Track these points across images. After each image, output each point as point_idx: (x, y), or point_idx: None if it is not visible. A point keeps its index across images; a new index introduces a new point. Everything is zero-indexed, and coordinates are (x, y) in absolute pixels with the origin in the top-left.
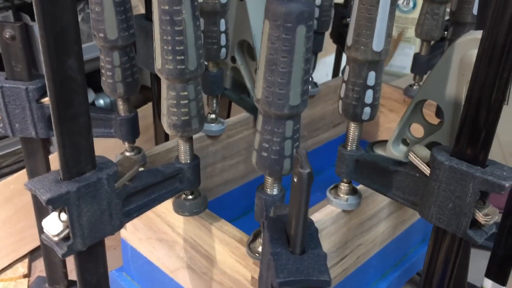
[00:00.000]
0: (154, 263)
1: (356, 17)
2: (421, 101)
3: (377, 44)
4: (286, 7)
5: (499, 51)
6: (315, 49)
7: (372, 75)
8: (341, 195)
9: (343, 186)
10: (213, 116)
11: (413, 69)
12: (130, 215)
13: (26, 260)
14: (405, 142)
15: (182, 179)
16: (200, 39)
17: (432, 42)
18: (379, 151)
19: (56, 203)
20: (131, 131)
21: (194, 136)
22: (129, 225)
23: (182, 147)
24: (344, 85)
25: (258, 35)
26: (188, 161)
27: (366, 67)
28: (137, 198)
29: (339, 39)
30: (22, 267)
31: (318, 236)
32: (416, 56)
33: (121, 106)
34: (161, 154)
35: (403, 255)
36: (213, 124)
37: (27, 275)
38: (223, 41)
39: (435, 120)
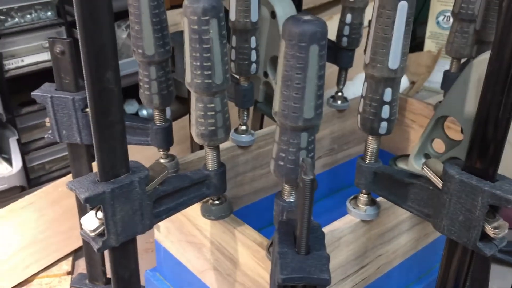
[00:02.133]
0: (184, 264)
1: (373, 37)
2: (442, 117)
3: (393, 62)
4: (300, 28)
5: (505, 70)
6: (345, 65)
7: (388, 92)
8: (360, 206)
9: (362, 197)
10: (244, 127)
11: (443, 86)
12: (160, 216)
13: (70, 259)
14: (427, 157)
15: (209, 185)
16: (226, 55)
17: (463, 60)
18: (401, 165)
19: (93, 202)
20: (166, 140)
21: (226, 146)
22: (162, 228)
23: (209, 155)
24: (362, 100)
25: None
26: (215, 168)
27: (382, 83)
28: (167, 200)
29: None
30: (66, 265)
31: (324, 240)
32: (446, 74)
33: (157, 116)
34: (193, 162)
35: (428, 268)
36: (243, 135)
37: (70, 273)
38: (253, 57)
39: (458, 136)
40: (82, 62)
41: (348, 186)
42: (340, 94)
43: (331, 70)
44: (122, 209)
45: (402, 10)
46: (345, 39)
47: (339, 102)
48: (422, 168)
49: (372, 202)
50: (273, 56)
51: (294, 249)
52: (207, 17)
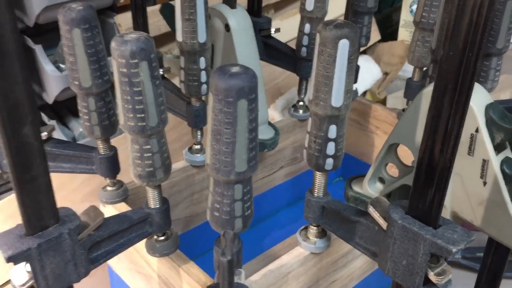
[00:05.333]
0: None
1: (315, 74)
2: (395, 143)
3: (336, 100)
4: (226, 83)
5: (445, 120)
6: (305, 75)
7: (333, 129)
8: (310, 238)
9: (312, 229)
10: (197, 147)
11: (406, 95)
12: (97, 261)
13: None
14: (381, 181)
15: (152, 223)
16: (161, 96)
17: (425, 69)
18: (356, 188)
19: (18, 259)
20: (111, 168)
21: (180, 166)
22: None
23: (150, 194)
24: (307, 135)
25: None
26: (158, 206)
27: (326, 121)
28: (105, 244)
29: None
30: None
31: None
32: (409, 82)
33: (100, 145)
34: (143, 186)
35: (388, 283)
36: (198, 155)
37: None
38: (203, 78)
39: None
40: None
41: None
42: (301, 103)
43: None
44: (52, 262)
45: (343, 48)
46: (304, 49)
47: (300, 111)
48: (368, 208)
49: (322, 234)
50: None
51: None
52: (136, 60)
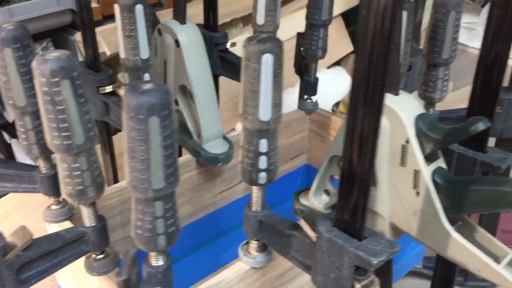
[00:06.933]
0: None
1: (243, 89)
2: (335, 155)
3: (264, 114)
4: (137, 100)
5: (359, 132)
6: None
7: (263, 142)
8: (251, 252)
9: (252, 244)
10: None
11: None
12: (28, 282)
13: None
14: (327, 193)
15: (88, 242)
16: (87, 114)
17: None
18: (303, 201)
19: None
20: (53, 187)
21: None
22: (62, 271)
23: (84, 212)
24: (240, 150)
25: (195, 80)
26: (93, 224)
27: (256, 135)
28: (36, 264)
29: (300, 70)
30: None
31: None
32: None
33: (41, 164)
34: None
35: None
36: None
37: None
38: None
39: None
40: None
41: (275, 205)
42: None
43: None
44: None
45: (267, 63)
46: None
47: None
48: (299, 221)
49: (263, 248)
50: (182, 84)
51: None
52: (56, 79)
